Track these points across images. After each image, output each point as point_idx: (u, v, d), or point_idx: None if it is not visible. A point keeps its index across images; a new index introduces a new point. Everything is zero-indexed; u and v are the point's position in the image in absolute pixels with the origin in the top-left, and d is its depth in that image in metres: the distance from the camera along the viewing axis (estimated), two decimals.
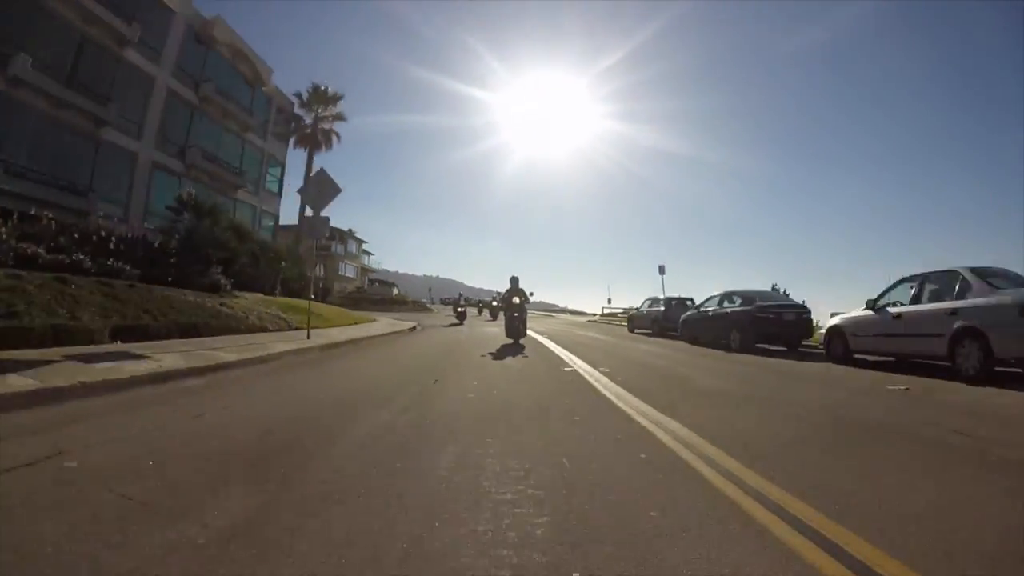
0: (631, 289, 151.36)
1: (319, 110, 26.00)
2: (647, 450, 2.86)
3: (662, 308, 16.17)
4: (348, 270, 54.98)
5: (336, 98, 26.40)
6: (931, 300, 6.95)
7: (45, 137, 14.23)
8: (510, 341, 10.65)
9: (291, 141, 26.38)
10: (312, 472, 2.33)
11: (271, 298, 14.14)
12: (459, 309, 21.67)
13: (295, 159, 40.14)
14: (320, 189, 9.46)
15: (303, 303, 12.22)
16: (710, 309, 12.06)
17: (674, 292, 18.05)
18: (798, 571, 1.52)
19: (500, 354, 8.45)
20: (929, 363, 6.99)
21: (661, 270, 21.90)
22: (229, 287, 12.39)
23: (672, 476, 2.42)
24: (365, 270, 64.60)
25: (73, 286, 7.43)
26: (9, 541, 1.56)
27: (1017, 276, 6.60)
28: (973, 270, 6.50)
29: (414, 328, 14.84)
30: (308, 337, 8.90)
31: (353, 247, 57.76)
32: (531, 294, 12.28)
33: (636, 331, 17.74)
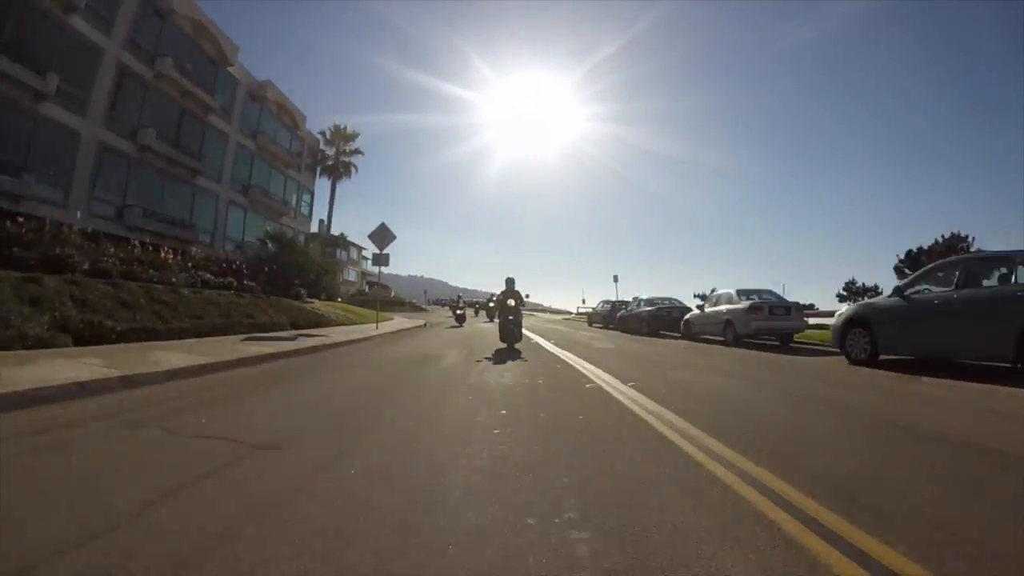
0: (608, 288, 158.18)
1: (340, 146, 31.64)
2: (583, 376, 8.54)
3: (609, 309, 22.24)
4: (351, 274, 60.45)
5: (354, 136, 32.12)
6: (725, 304, 12.69)
7: (173, 193, 19.68)
8: (504, 346, 10.04)
9: (317, 170, 31.85)
10: (432, 364, 7.92)
11: (329, 302, 19.70)
12: (458, 311, 21.77)
13: (320, 185, 46.18)
14: (383, 235, 15.00)
15: (350, 306, 17.84)
16: (632, 309, 18.07)
17: (659, 291, 24.33)
18: (677, 457, 6.95)
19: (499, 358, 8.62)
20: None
21: (615, 279, 28.05)
22: (304, 295, 17.93)
23: (581, 381, 8.09)
24: (364, 274, 69.99)
25: (247, 298, 12.95)
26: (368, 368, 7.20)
27: None
28: (725, 290, 12.24)
29: (426, 324, 20.46)
30: (376, 327, 14.53)
31: (354, 253, 63.17)
32: (527, 296, 11.79)
33: (593, 325, 23.80)
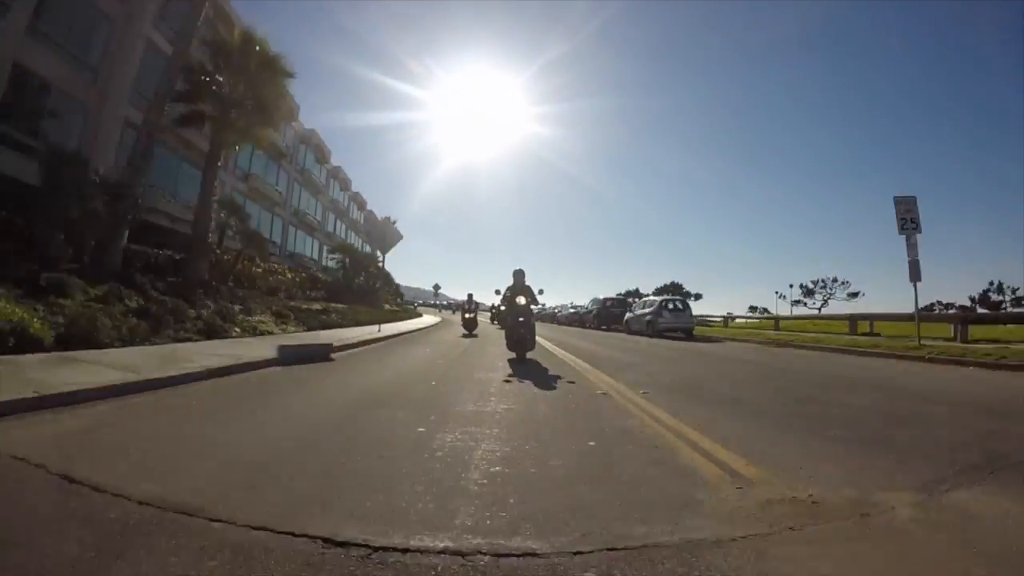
0: (574, 286, 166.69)
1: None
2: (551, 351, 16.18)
3: (557, 310, 30.49)
4: None
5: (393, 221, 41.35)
6: (643, 308, 20.66)
7: (265, 220, 26.97)
8: (513, 355, 8.61)
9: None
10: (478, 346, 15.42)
11: (388, 307, 27.18)
12: (467, 315, 17.77)
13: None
14: (385, 232, 22.28)
15: (398, 307, 25.33)
16: (579, 309, 26.09)
17: (606, 290, 32.40)
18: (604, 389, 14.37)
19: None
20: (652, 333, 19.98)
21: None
22: (378, 302, 25.35)
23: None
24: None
25: (361, 308, 20.33)
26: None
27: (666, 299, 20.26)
28: (651, 296, 20.28)
29: (442, 319, 27.90)
30: (433, 316, 22.05)
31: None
32: (540, 292, 9.73)
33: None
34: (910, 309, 12.08)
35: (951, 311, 42.69)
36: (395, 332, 14.03)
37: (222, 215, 14.24)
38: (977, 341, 12.51)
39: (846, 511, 2.07)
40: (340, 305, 19.38)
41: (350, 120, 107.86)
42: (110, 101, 14.55)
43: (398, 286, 38.69)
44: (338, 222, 40.11)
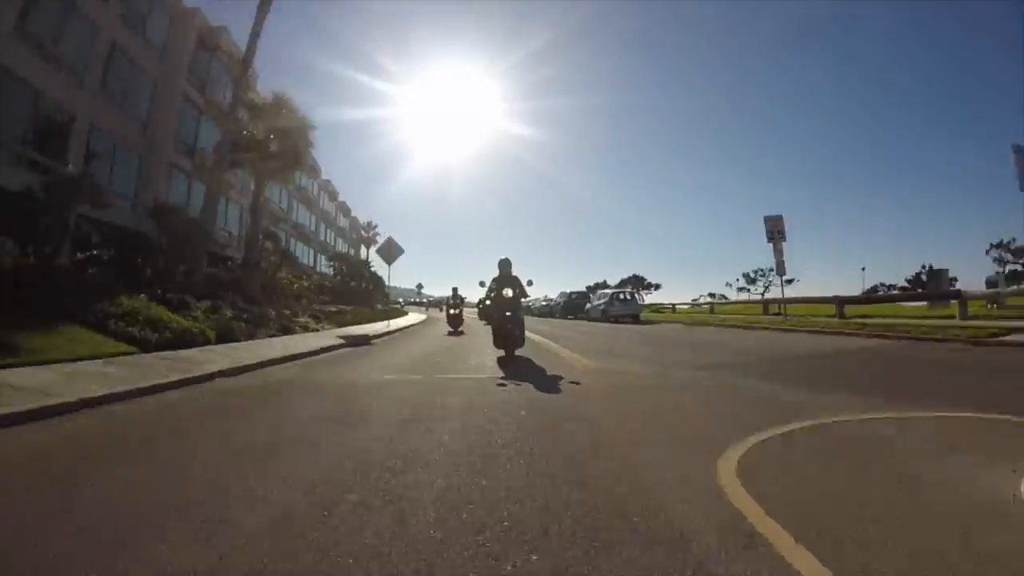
0: (552, 280, 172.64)
1: (371, 232, 43.36)
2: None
3: (531, 303, 34.63)
4: None
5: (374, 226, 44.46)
6: (599, 299, 24.97)
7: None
8: (501, 353, 8.01)
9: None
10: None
11: (379, 307, 30.75)
12: (452, 311, 17.26)
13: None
14: (390, 249, 26.00)
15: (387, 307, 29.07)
16: (550, 302, 30.34)
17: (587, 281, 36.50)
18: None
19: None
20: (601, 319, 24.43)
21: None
22: (371, 302, 28.88)
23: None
24: None
25: (348, 306, 23.96)
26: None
27: (613, 294, 24.74)
28: (601, 290, 24.65)
29: (428, 316, 31.66)
30: (419, 314, 25.82)
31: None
32: (529, 283, 8.91)
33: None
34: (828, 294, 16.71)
35: (893, 291, 48.71)
36: (396, 327, 17.81)
37: (261, 239, 17.70)
38: (849, 317, 17.15)
39: (622, 377, 6.13)
40: (345, 307, 22.97)
41: (324, 116, 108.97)
42: (157, 148, 17.84)
43: (386, 288, 42.18)
44: (328, 230, 43.31)
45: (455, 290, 18.44)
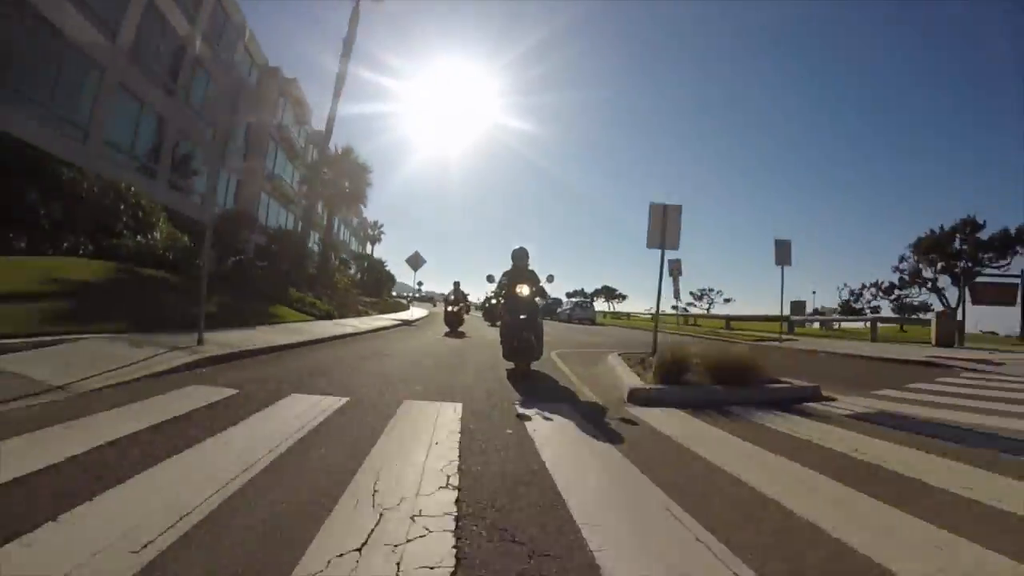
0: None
1: (376, 230, 50.44)
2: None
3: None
4: None
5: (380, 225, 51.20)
6: (566, 307, 32.77)
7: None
8: (511, 366, 6.84)
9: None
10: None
11: (390, 300, 38.01)
12: (451, 308, 15.59)
13: None
14: (416, 260, 33.21)
15: (396, 300, 36.32)
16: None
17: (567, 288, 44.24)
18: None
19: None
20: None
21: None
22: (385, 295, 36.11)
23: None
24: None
25: (372, 298, 31.25)
26: None
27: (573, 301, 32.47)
28: (576, 298, 32.44)
29: (435, 306, 38.94)
30: (422, 309, 33.26)
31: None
32: (550, 279, 7.32)
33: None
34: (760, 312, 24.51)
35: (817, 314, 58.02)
36: (415, 317, 25.12)
37: (332, 254, 24.94)
38: (731, 329, 25.11)
39: (570, 344, 13.74)
40: (372, 299, 30.21)
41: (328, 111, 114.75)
42: (250, 179, 24.97)
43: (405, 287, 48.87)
44: (345, 230, 50.29)
45: (457, 285, 16.44)
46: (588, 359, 9.17)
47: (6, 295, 6.97)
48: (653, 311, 45.67)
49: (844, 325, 31.54)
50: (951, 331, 19.86)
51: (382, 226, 58.71)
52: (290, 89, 27.56)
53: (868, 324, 23.47)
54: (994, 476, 2.99)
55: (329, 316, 15.31)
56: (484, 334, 14.53)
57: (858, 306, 48.16)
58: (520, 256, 7.22)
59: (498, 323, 11.47)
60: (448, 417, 3.89)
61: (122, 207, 11.73)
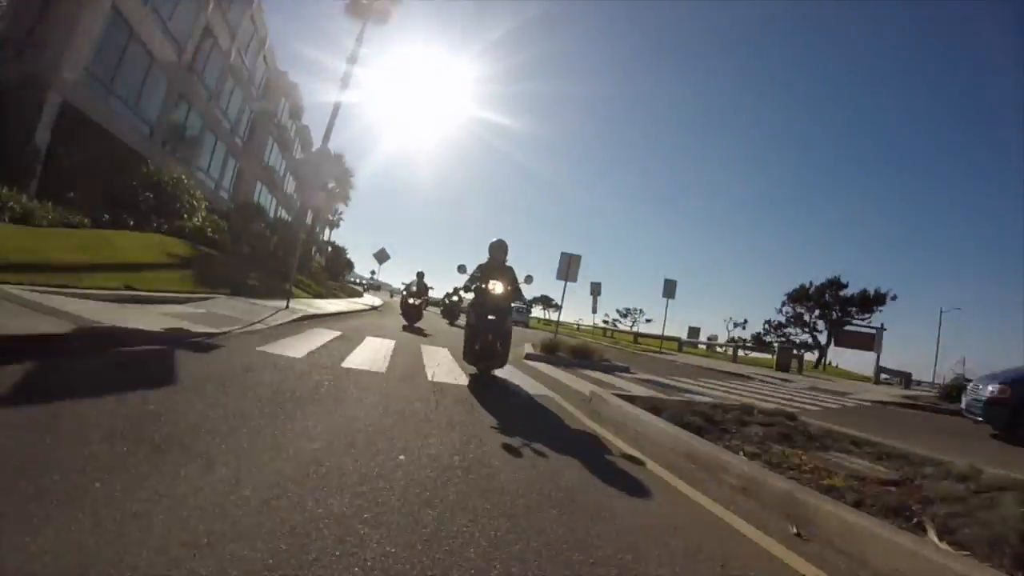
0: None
1: (336, 215, 53.38)
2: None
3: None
4: None
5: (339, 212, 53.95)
6: None
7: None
8: (474, 371, 6.39)
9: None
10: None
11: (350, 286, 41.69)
12: (412, 300, 14.52)
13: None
14: (382, 255, 37.39)
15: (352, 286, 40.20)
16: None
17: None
18: None
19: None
20: None
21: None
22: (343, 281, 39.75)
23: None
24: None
25: (335, 283, 35.16)
26: None
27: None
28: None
29: (391, 297, 42.92)
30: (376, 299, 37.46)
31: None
32: (528, 279, 6.99)
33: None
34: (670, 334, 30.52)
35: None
36: (378, 304, 29.31)
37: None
38: (635, 343, 31.22)
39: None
40: (334, 283, 34.04)
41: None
42: (248, 166, 28.40)
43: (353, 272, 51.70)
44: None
45: (420, 276, 15.52)
46: (514, 343, 14.27)
47: (152, 264, 11.20)
48: (579, 323, 52.21)
49: (730, 351, 39.08)
50: (787, 360, 27.13)
51: (341, 212, 61.41)
52: (291, 90, 31.09)
53: (728, 350, 30.60)
54: (631, 384, 8.46)
55: (320, 296, 19.62)
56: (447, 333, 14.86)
57: (768, 339, 57.41)
58: (497, 249, 6.64)
59: (458, 323, 11.96)
60: (441, 356, 8.85)
61: (183, 195, 15.63)
